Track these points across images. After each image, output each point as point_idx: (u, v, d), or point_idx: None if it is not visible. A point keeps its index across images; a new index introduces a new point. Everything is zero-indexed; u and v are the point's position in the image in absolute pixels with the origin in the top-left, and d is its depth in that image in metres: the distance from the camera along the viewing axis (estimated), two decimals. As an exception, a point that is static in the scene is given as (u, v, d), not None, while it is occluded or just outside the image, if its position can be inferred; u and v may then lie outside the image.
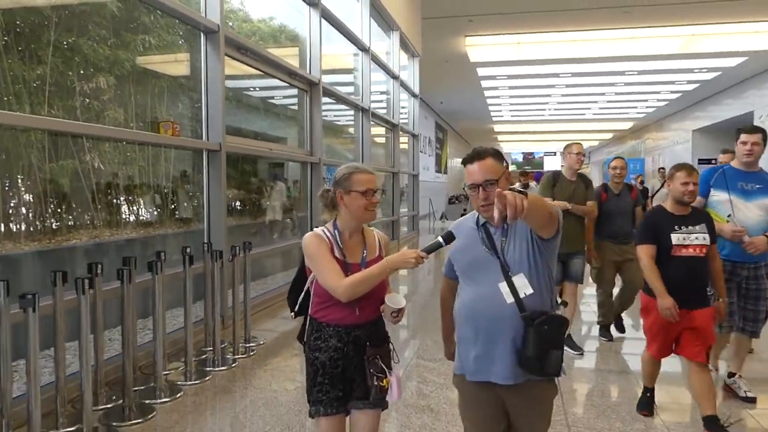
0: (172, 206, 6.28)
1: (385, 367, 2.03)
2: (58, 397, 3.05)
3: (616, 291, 5.06)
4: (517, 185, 8.85)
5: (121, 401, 3.40)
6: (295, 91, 7.71)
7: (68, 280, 3.05)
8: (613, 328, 5.14)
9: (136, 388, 3.59)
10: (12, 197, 4.66)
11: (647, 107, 22.80)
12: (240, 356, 4.54)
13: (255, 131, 7.74)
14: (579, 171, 4.73)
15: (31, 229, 4.72)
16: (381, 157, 12.24)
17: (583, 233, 4.71)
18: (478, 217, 2.02)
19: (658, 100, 21.13)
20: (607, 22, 12.38)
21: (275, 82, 7.00)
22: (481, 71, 16.50)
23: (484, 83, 18.28)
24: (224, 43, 5.05)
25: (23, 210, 4.74)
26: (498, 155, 1.95)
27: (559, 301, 4.76)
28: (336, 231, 2.08)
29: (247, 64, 5.91)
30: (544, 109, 24.25)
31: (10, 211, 4.61)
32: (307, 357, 2.11)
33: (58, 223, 4.99)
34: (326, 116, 8.62)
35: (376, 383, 2.00)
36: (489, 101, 21.96)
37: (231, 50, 5.36)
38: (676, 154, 22.54)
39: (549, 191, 4.64)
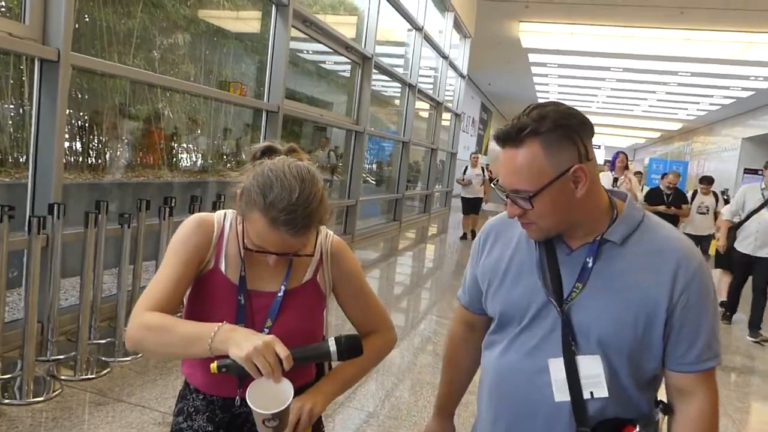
0: (229, 156, 6.98)
1: None
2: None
3: None
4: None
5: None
6: (348, 61, 8.24)
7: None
8: None
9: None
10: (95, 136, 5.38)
11: (698, 110, 22.40)
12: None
13: (307, 95, 8.33)
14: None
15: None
16: (422, 131, 12.71)
17: None
18: None
19: (711, 104, 20.75)
20: (661, 21, 12.33)
21: (330, 50, 7.54)
22: (533, 57, 16.61)
23: (534, 69, 18.35)
24: (292, 16, 5.60)
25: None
26: (557, 132, 0.99)
27: None
28: (243, 226, 1.16)
29: (310, 36, 6.46)
30: (592, 101, 24.10)
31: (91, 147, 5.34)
32: None
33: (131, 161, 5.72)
34: (375, 85, 9.11)
35: None
36: (537, 88, 22.01)
37: (297, 22, 5.91)
38: (722, 161, 22.22)
39: None
